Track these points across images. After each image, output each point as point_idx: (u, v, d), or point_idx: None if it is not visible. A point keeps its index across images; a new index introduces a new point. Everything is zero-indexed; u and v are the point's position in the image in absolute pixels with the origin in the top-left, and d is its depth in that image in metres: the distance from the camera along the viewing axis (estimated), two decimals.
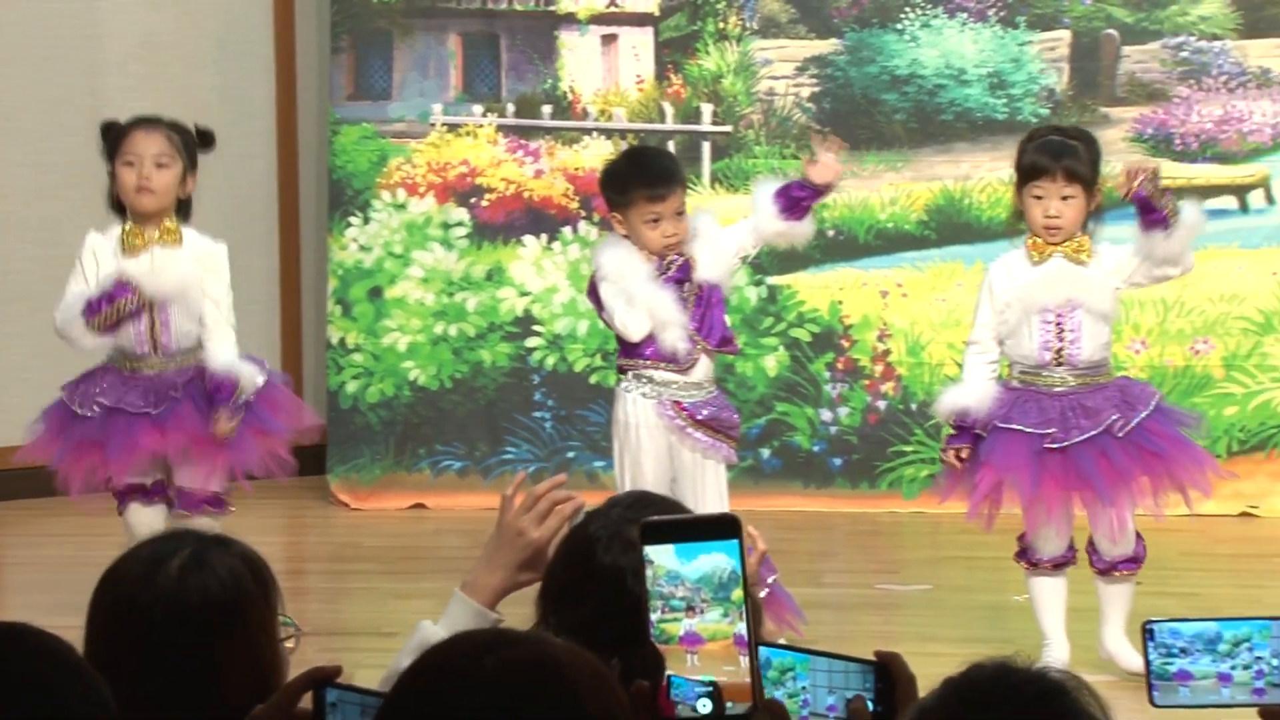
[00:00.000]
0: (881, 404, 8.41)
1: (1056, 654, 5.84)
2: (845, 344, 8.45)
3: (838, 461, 8.44)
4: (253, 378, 6.25)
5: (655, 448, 6.03)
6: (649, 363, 6.04)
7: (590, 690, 2.03)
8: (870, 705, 2.35)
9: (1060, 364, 5.84)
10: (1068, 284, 5.83)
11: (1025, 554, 5.99)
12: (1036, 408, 5.83)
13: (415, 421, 8.59)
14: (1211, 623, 2.21)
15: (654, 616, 2.08)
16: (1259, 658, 2.19)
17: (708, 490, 6.01)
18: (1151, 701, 2.21)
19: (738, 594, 2.08)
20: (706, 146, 8.55)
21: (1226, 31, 8.26)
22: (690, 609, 2.09)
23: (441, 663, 2.07)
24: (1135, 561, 5.90)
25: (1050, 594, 5.93)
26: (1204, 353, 8.20)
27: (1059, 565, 5.93)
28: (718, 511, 2.62)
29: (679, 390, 6.02)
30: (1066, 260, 5.87)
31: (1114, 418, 5.74)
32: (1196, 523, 7.32)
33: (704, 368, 6.06)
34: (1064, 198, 5.82)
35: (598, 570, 2.88)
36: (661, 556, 2.09)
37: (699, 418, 6.01)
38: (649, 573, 2.09)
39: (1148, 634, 2.22)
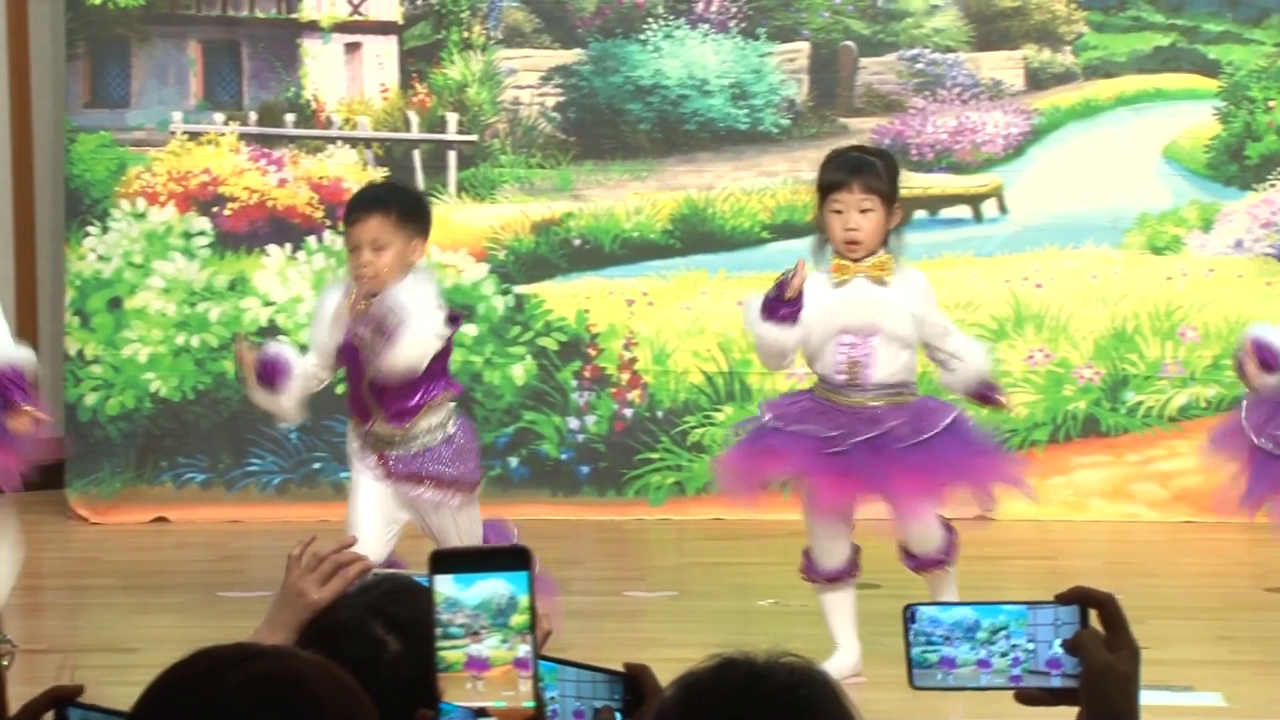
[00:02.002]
0: (628, 412, 8.46)
1: (846, 658, 5.89)
2: (592, 352, 8.48)
3: (585, 469, 8.47)
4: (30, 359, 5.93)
5: (373, 483, 5.94)
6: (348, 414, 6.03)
7: (336, 706, 2.01)
8: (618, 717, 2.37)
9: (854, 384, 5.87)
10: (868, 307, 5.86)
11: (808, 569, 6.02)
12: (827, 416, 5.87)
13: (157, 434, 8.46)
14: (970, 610, 2.25)
15: (436, 645, 2.09)
16: (1015, 645, 2.23)
17: (447, 532, 5.93)
18: (911, 684, 2.26)
19: (517, 620, 2.09)
20: (453, 156, 8.54)
21: (960, 44, 8.44)
22: (471, 635, 2.09)
23: (183, 680, 2.04)
24: (946, 556, 5.98)
25: (836, 605, 5.98)
26: None
27: (836, 579, 5.97)
28: (511, 544, 2.63)
29: (380, 443, 5.92)
30: (868, 281, 5.89)
31: (896, 423, 5.80)
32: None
33: (386, 427, 5.92)
34: (862, 210, 5.84)
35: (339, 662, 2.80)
36: (442, 584, 2.10)
37: (395, 472, 5.91)
38: (435, 602, 2.10)
39: (909, 617, 2.26)
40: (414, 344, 5.76)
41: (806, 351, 5.97)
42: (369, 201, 5.95)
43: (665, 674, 2.37)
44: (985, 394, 5.99)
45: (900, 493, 5.82)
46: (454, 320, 5.96)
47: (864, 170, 5.87)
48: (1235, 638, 6.28)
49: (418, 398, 5.91)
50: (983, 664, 2.24)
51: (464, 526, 5.96)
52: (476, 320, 8.37)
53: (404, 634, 2.54)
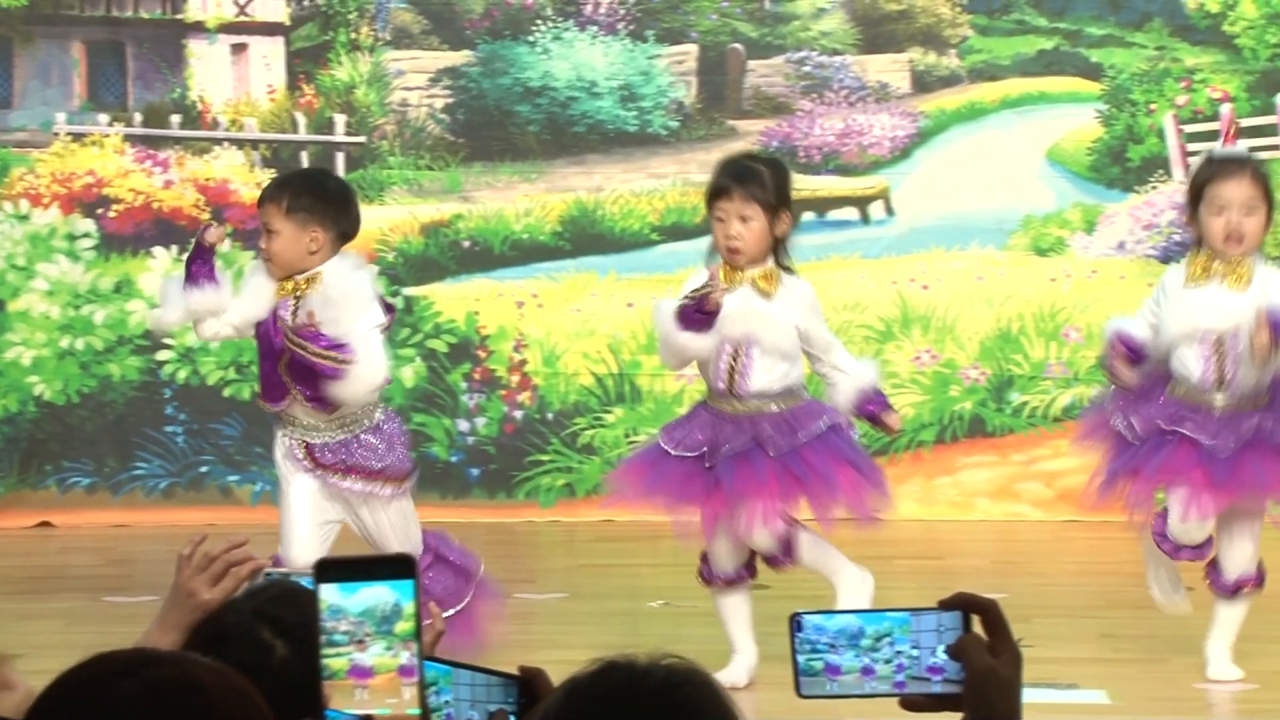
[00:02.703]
0: (518, 414, 8.46)
1: (744, 661, 5.91)
2: (482, 354, 8.47)
3: (475, 472, 8.46)
4: None
5: (304, 484, 5.91)
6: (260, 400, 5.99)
7: (234, 713, 2.01)
8: None
9: (733, 393, 5.87)
10: (748, 318, 5.85)
11: (706, 572, 6.03)
12: (705, 433, 5.88)
13: (41, 438, 8.38)
14: (854, 617, 2.27)
15: (321, 652, 2.09)
16: (899, 651, 2.25)
17: (381, 528, 5.92)
18: (798, 692, 2.27)
19: (402, 627, 2.09)
20: (341, 157, 8.51)
21: (846, 47, 8.50)
22: (355, 642, 2.09)
23: (80, 685, 2.03)
24: (786, 553, 6.00)
25: (732, 609, 5.99)
26: None
27: (731, 583, 5.99)
28: (392, 552, 2.62)
29: (307, 431, 5.89)
30: (752, 291, 5.87)
31: (767, 434, 5.81)
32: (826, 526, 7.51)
33: (303, 412, 5.84)
34: (743, 218, 5.82)
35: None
36: (327, 592, 2.10)
37: (323, 461, 5.88)
38: (320, 610, 2.10)
39: (795, 626, 2.28)
40: (368, 374, 5.74)
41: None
42: (270, 187, 5.99)
43: (557, 676, 2.38)
44: (870, 413, 5.95)
45: (750, 499, 5.81)
46: (388, 309, 5.97)
47: (747, 179, 5.85)
48: (1118, 635, 6.35)
49: None
50: (867, 671, 2.26)
51: (395, 520, 5.90)
52: None
53: (291, 638, 2.54)
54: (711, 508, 5.86)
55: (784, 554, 5.95)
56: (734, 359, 5.85)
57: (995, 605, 2.26)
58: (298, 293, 5.81)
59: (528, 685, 2.41)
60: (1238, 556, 5.90)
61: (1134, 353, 5.88)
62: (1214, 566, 5.96)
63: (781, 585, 6.21)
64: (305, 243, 5.79)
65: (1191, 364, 5.82)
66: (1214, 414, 5.81)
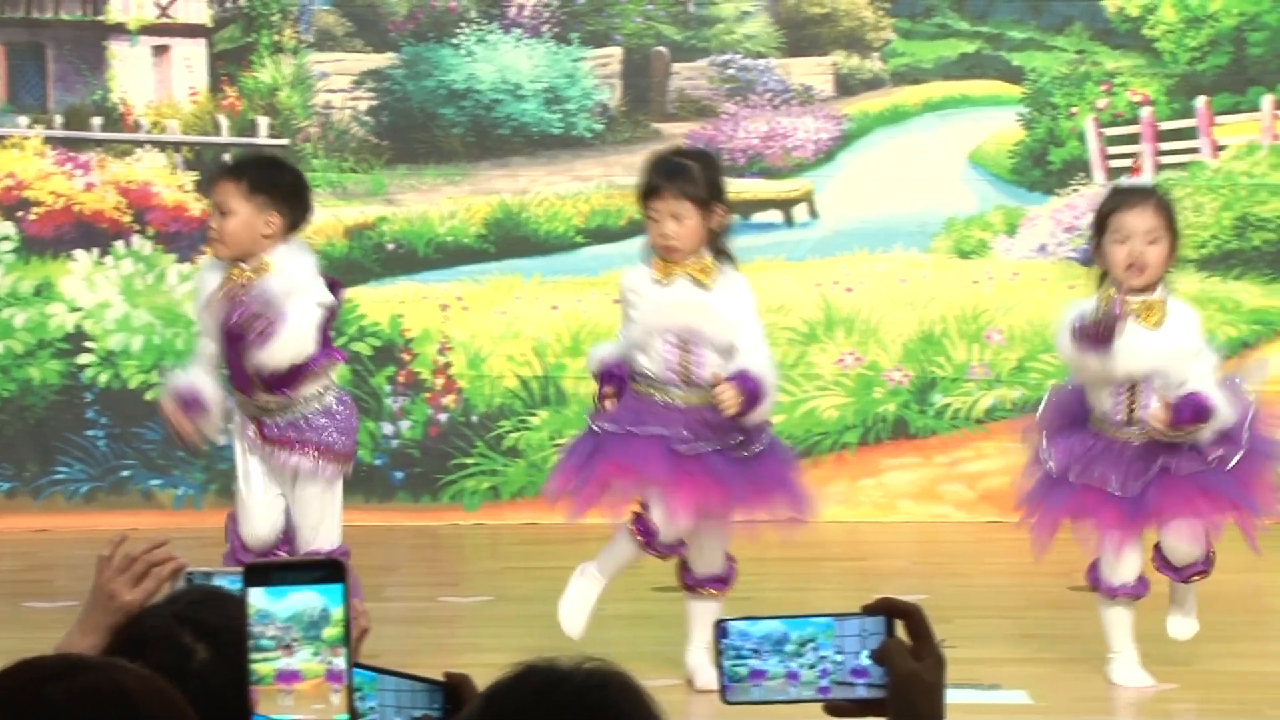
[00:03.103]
0: (443, 417, 8.44)
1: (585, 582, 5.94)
2: (406, 357, 8.46)
3: (399, 475, 8.44)
4: None
5: (260, 465, 5.96)
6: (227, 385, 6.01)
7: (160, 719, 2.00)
8: None
9: (688, 383, 5.87)
10: (689, 310, 5.84)
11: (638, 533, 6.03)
12: (654, 415, 5.87)
13: None
14: (778, 623, 2.27)
15: (249, 658, 2.09)
16: (824, 656, 2.26)
17: (305, 511, 5.93)
18: (723, 698, 2.28)
19: (330, 632, 2.09)
20: None
21: (770, 50, 8.52)
22: (283, 647, 2.09)
23: (5, 691, 2.01)
24: (724, 581, 6.00)
25: (614, 551, 6.01)
26: None
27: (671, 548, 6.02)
28: (325, 557, 2.62)
29: (260, 410, 5.94)
30: (691, 283, 5.87)
31: (739, 438, 5.83)
32: (747, 528, 7.51)
33: (267, 397, 5.92)
34: (676, 216, 5.81)
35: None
36: (255, 597, 2.09)
37: (271, 436, 5.93)
38: (248, 614, 2.10)
39: (720, 632, 2.28)
40: (291, 340, 5.81)
41: (633, 345, 5.95)
42: (227, 167, 6.07)
43: (481, 680, 2.38)
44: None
45: (722, 507, 5.83)
46: (334, 287, 6.00)
47: (677, 176, 5.85)
48: (1040, 636, 6.39)
49: (305, 368, 5.93)
50: (791, 676, 2.27)
51: (328, 506, 5.96)
52: None
53: (212, 641, 2.53)
54: (696, 495, 5.85)
55: (721, 582, 5.98)
56: (683, 349, 5.85)
57: (919, 610, 2.28)
58: (244, 282, 5.84)
59: (453, 691, 2.40)
60: (1182, 550, 5.95)
61: (1093, 337, 5.85)
62: (1159, 553, 5.99)
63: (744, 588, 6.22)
64: (260, 226, 5.85)
65: (1105, 403, 5.87)
66: (1129, 447, 5.84)
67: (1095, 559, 5.97)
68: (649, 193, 5.89)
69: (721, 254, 5.93)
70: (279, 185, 5.93)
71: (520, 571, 7.47)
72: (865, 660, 2.26)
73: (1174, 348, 5.80)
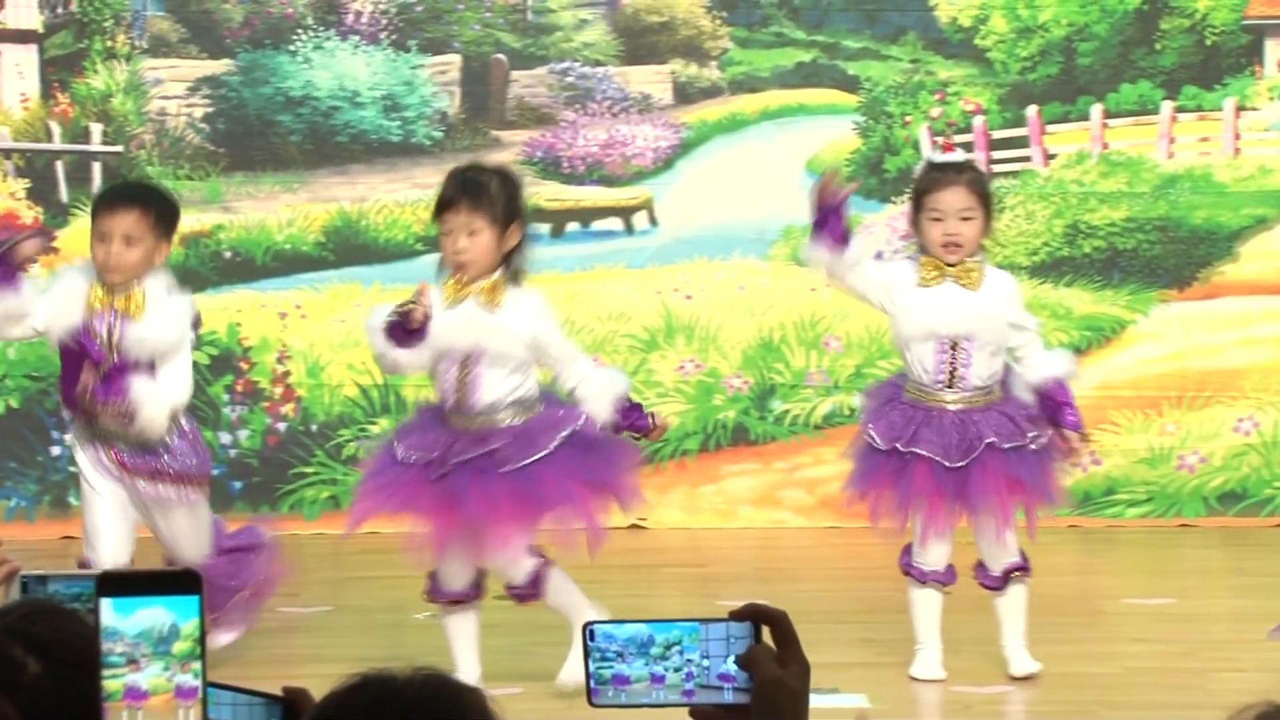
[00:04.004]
0: (282, 426, 8.39)
1: (464, 678, 5.89)
2: (244, 366, 8.39)
3: (238, 485, 8.37)
4: None
5: (111, 489, 5.87)
6: (67, 406, 5.94)
7: None
8: None
9: (462, 409, 5.83)
10: (474, 331, 5.80)
11: (432, 590, 5.99)
12: (434, 438, 5.84)
13: None
14: (644, 626, 2.27)
15: (101, 674, 2.06)
16: (689, 660, 2.26)
17: (176, 533, 5.88)
18: (590, 701, 2.28)
19: (180, 647, 2.07)
20: (97, 167, 8.37)
21: (609, 58, 8.54)
22: (131, 663, 2.07)
23: None
24: (529, 589, 5.97)
25: (457, 627, 5.97)
26: None
27: (458, 602, 5.96)
28: (181, 568, 2.60)
29: (114, 439, 5.87)
30: (477, 304, 5.81)
31: (498, 445, 5.77)
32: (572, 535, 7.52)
33: (113, 424, 5.85)
34: (470, 232, 5.77)
35: None
36: (105, 613, 2.07)
37: (133, 468, 5.85)
38: (99, 630, 2.08)
39: (588, 635, 2.28)
40: (170, 397, 5.86)
41: (429, 370, 5.93)
42: (131, 195, 5.98)
43: (320, 691, 2.37)
44: (625, 423, 5.84)
45: (490, 522, 5.77)
46: (196, 324, 6.02)
47: (474, 191, 5.78)
48: (878, 640, 6.45)
49: None
50: (656, 679, 2.27)
51: (191, 526, 5.91)
52: None
53: (45, 655, 2.50)
54: (443, 524, 5.81)
55: (531, 588, 5.93)
56: (462, 373, 5.81)
57: (785, 617, 2.29)
58: (121, 309, 5.81)
59: (291, 706, 2.39)
60: (999, 550, 6.05)
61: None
62: (980, 566, 6.10)
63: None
64: (154, 256, 5.87)
65: (927, 361, 5.98)
66: (947, 414, 5.96)
67: (909, 543, 6.08)
68: (444, 206, 5.82)
69: (515, 273, 5.84)
70: (174, 218, 5.99)
71: (361, 581, 7.44)
72: (731, 665, 2.26)
73: (991, 308, 5.98)
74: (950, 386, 6.00)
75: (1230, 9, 8.44)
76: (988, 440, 5.94)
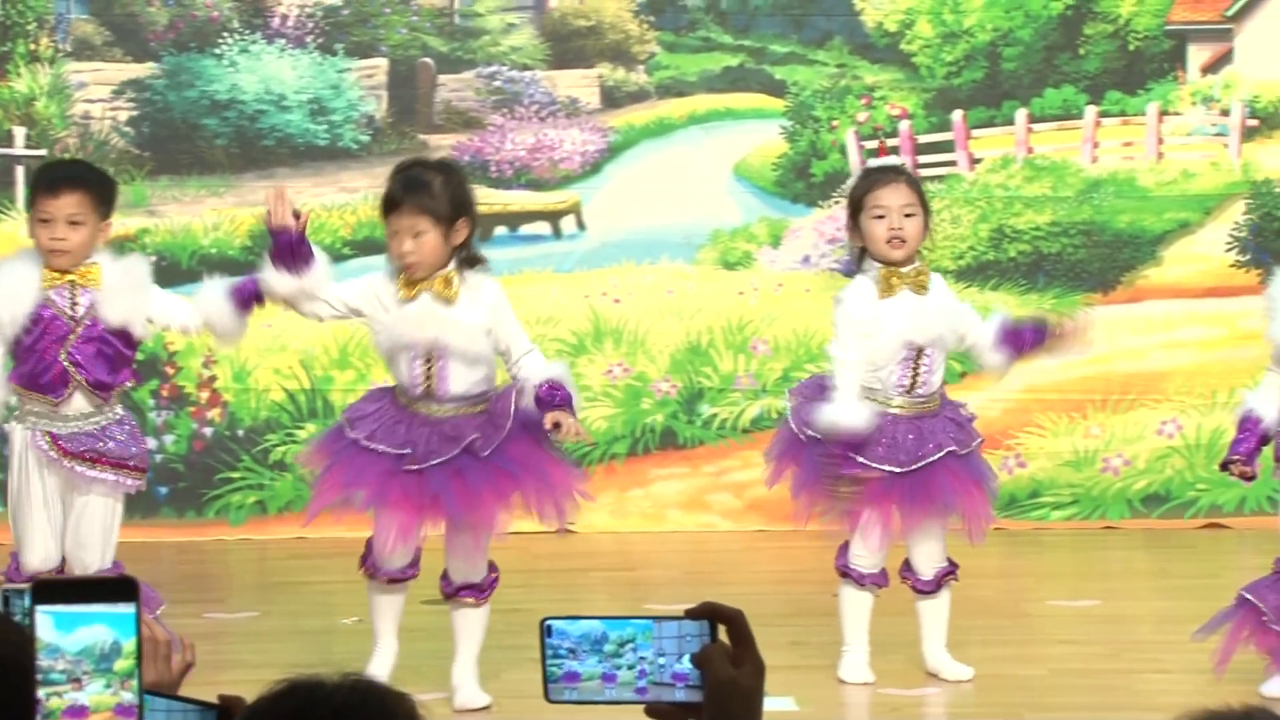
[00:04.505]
0: (208, 431, 8.35)
1: (381, 660, 5.89)
2: (170, 371, 8.35)
3: (163, 490, 8.33)
4: None
5: (42, 482, 5.84)
6: (20, 390, 5.88)
7: None
8: None
9: (432, 397, 5.82)
10: (434, 324, 5.79)
11: (368, 563, 5.97)
12: (404, 429, 5.83)
13: None
14: (598, 623, 2.27)
15: (40, 692, 2.05)
16: (642, 658, 2.26)
17: (91, 525, 5.84)
18: (546, 697, 2.28)
19: (121, 665, 2.06)
20: (20, 171, 8.31)
21: (536, 62, 8.54)
22: (73, 681, 2.06)
23: None
24: (481, 590, 5.96)
25: (388, 606, 5.96)
26: None
27: (396, 581, 5.95)
28: (117, 575, 2.58)
29: (52, 422, 5.83)
30: (433, 299, 5.80)
31: (474, 437, 5.79)
32: (518, 540, 7.51)
33: (82, 400, 5.83)
34: (416, 233, 5.73)
35: None
36: (43, 628, 2.06)
37: (71, 450, 5.82)
38: (37, 647, 2.07)
39: (545, 631, 2.27)
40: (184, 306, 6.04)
41: (386, 361, 5.94)
42: (71, 177, 5.95)
43: (248, 696, 2.36)
44: (549, 399, 5.80)
45: (475, 514, 5.79)
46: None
47: (417, 190, 5.76)
48: (806, 643, 6.46)
49: (120, 375, 5.91)
50: (608, 677, 2.27)
51: (112, 524, 5.87)
52: None
53: None
54: (414, 518, 5.81)
55: (483, 592, 5.94)
56: (428, 366, 5.82)
57: (740, 615, 2.29)
58: (79, 281, 5.83)
59: (225, 713, 2.38)
60: (932, 555, 6.09)
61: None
62: (910, 570, 6.13)
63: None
64: (100, 234, 5.88)
65: (893, 370, 6.00)
66: (901, 421, 6.00)
67: (845, 543, 6.10)
68: (389, 207, 5.81)
69: (471, 262, 5.84)
70: (114, 194, 6.00)
71: (288, 586, 7.41)
72: (685, 663, 2.26)
73: (944, 307, 6.09)
74: (909, 393, 6.03)
75: (1153, 14, 8.51)
76: (948, 449, 5.98)
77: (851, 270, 6.24)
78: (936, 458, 5.99)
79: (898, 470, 5.98)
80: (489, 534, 5.90)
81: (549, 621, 2.28)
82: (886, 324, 6.02)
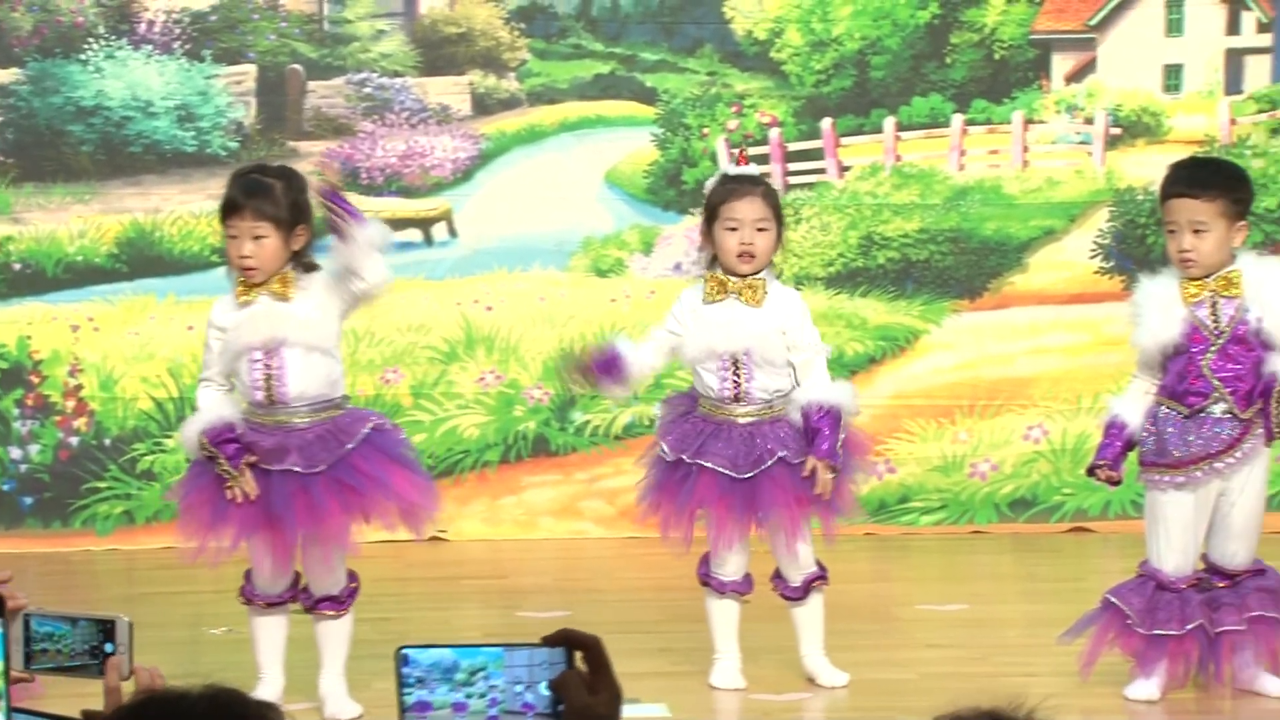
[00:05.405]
0: (74, 440, 8.26)
1: (270, 689, 5.85)
2: (35, 380, 8.25)
3: (28, 500, 8.23)
4: None
5: None
6: None
7: None
8: None
9: (271, 401, 5.79)
10: (268, 324, 5.76)
11: (248, 591, 5.93)
12: (260, 435, 5.79)
13: None
14: (449, 651, 2.26)
15: None
16: (494, 686, 2.25)
17: None
18: None
19: None
20: None
21: (407, 69, 8.51)
22: None
23: None
24: (340, 602, 5.92)
25: (266, 630, 5.92)
26: (394, 382, 8.42)
27: (273, 605, 5.91)
28: None
29: None
30: (270, 298, 5.78)
31: (316, 446, 5.75)
32: (390, 548, 7.50)
33: None
34: (255, 237, 5.73)
35: None
36: None
37: None
38: None
39: (400, 660, 2.26)
40: None
41: (230, 371, 5.89)
42: None
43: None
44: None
45: (323, 528, 5.75)
46: None
47: (257, 194, 5.75)
48: (676, 649, 6.48)
49: None
50: (459, 706, 2.25)
51: None
52: None
53: None
54: (272, 541, 5.77)
55: (343, 603, 5.90)
56: (267, 368, 5.78)
57: (598, 642, 2.28)
58: None
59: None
60: (798, 560, 6.12)
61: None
62: (779, 577, 6.16)
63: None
64: None
65: (710, 378, 6.05)
66: (736, 426, 6.03)
67: (706, 553, 6.13)
68: (228, 210, 5.79)
69: (307, 267, 5.81)
70: None
71: (156, 597, 7.34)
72: (540, 691, 2.26)
73: (772, 326, 6.04)
74: (738, 400, 6.07)
75: (1017, 24, 8.60)
76: (779, 454, 6.00)
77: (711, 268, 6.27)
78: (768, 465, 6.01)
79: (735, 476, 6.00)
80: (341, 548, 5.84)
81: (404, 650, 2.26)
82: (695, 328, 6.06)
